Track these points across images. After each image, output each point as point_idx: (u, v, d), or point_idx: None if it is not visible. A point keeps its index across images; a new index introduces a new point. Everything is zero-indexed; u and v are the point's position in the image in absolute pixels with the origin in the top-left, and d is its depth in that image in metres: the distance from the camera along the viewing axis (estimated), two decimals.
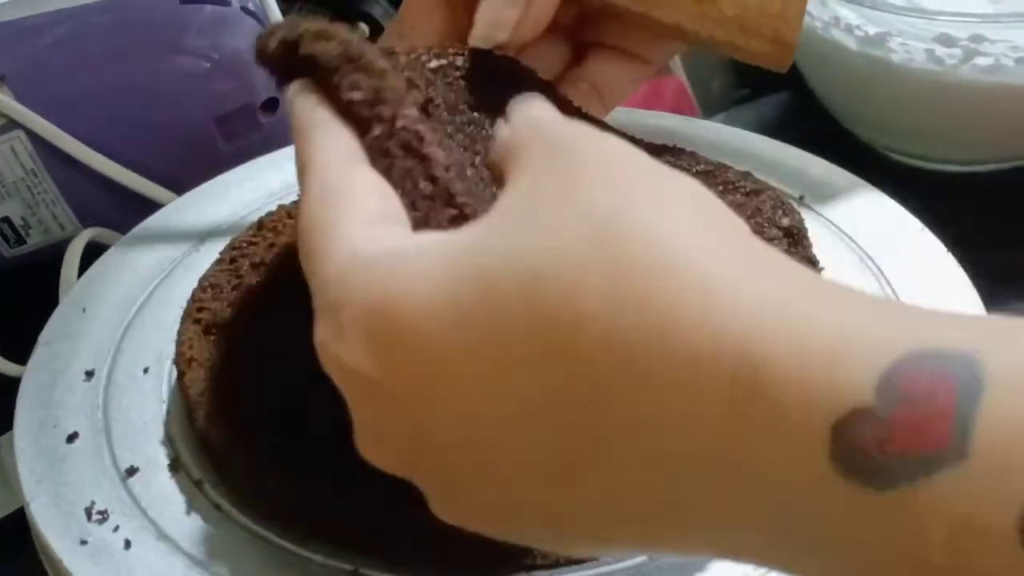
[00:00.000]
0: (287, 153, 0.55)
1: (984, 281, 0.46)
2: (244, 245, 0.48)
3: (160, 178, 0.61)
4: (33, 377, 0.46)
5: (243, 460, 0.39)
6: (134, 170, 0.60)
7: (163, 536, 0.39)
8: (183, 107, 0.62)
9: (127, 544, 0.39)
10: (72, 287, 0.51)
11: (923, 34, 0.64)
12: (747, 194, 0.45)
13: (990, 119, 0.62)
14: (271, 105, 0.63)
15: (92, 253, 0.53)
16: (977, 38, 0.63)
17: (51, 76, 0.61)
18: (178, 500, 0.40)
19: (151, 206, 0.56)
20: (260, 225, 0.49)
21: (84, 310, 0.48)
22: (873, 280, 0.47)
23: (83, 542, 0.39)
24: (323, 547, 0.38)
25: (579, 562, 0.37)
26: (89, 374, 0.45)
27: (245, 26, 0.64)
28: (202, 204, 0.54)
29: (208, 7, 0.63)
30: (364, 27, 0.79)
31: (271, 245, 0.48)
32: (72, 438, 0.43)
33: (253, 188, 0.55)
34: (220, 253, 0.48)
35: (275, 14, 0.65)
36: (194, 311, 0.45)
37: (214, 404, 0.41)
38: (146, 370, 0.45)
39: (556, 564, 0.37)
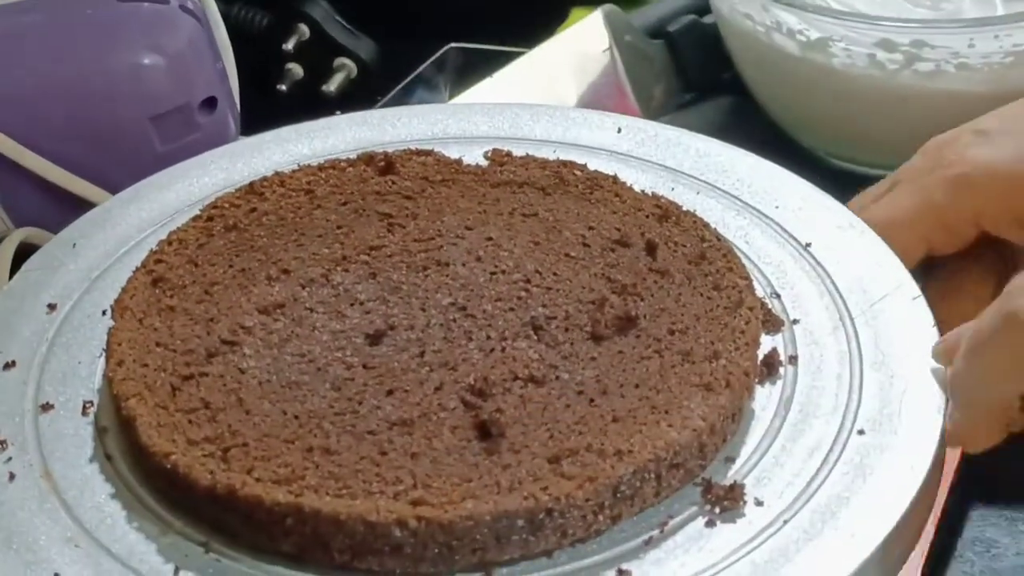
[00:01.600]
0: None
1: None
2: (226, 205, 0.49)
3: (95, 178, 0.60)
4: (2, 302, 0.47)
5: (127, 417, 0.40)
6: (69, 170, 0.60)
7: (46, 475, 0.40)
8: (119, 106, 0.61)
9: (11, 477, 0.40)
10: (9, 281, 0.50)
11: (865, 39, 0.64)
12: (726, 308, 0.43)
13: (931, 124, 0.61)
14: (210, 104, 0.62)
15: (24, 254, 0.52)
16: (918, 43, 0.63)
17: None
18: (78, 444, 0.41)
19: (85, 206, 0.55)
20: (250, 187, 0.49)
21: (74, 245, 0.50)
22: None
23: None
24: (183, 515, 0.38)
25: None
26: (51, 307, 0.47)
27: (184, 25, 0.63)
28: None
29: (146, 5, 0.62)
30: (304, 28, 0.79)
31: (252, 209, 0.49)
32: (9, 366, 0.44)
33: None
34: (200, 209, 0.49)
35: (214, 13, 0.64)
36: (151, 261, 0.46)
37: (125, 356, 0.41)
38: (105, 312, 0.46)
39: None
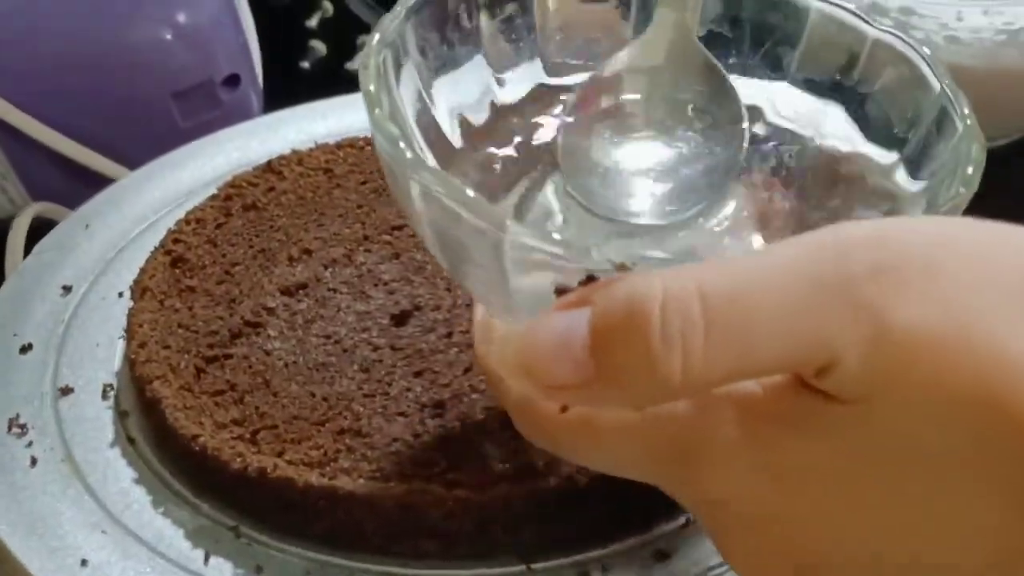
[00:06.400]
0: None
1: None
2: (244, 184, 0.48)
3: (117, 154, 0.59)
4: (15, 283, 0.46)
5: (151, 399, 0.39)
6: (88, 145, 0.58)
7: (68, 459, 0.39)
8: (140, 81, 0.59)
9: (33, 462, 0.39)
10: (20, 262, 0.49)
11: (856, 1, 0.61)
12: None
13: None
14: (232, 81, 0.61)
15: (40, 229, 0.51)
16: (907, 11, 0.60)
17: (2, 47, 0.58)
18: (99, 428, 0.40)
19: (105, 181, 0.54)
20: (268, 166, 0.49)
21: (87, 226, 0.49)
22: None
23: None
24: (211, 499, 0.37)
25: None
26: (67, 289, 0.46)
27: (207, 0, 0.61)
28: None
29: None
30: (328, 5, 0.78)
31: (270, 189, 0.48)
32: (25, 349, 0.43)
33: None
34: (217, 188, 0.48)
35: None
36: (169, 241, 0.45)
37: (147, 338, 0.41)
38: (121, 294, 0.45)
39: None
